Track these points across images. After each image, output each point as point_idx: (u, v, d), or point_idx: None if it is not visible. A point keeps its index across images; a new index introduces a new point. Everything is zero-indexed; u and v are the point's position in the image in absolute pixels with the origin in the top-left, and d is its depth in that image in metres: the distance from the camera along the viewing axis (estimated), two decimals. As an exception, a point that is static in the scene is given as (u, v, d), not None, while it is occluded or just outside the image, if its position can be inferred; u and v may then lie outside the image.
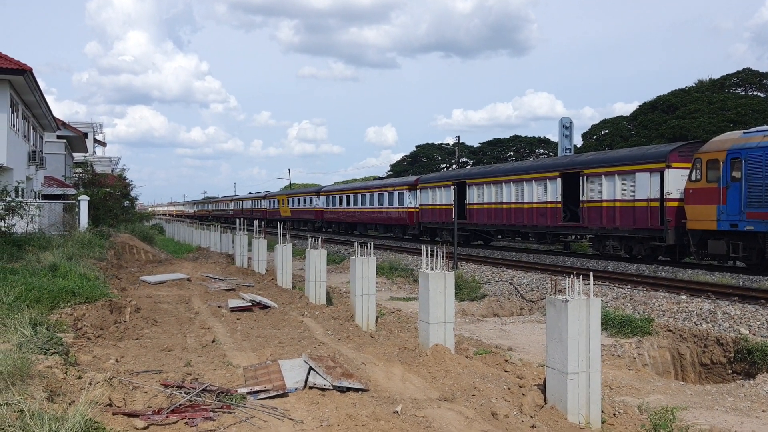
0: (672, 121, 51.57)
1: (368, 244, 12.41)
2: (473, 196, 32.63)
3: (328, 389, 6.79)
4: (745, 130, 20.21)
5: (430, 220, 36.88)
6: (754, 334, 11.38)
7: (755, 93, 54.78)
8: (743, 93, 54.69)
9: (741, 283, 16.49)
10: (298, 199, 60.38)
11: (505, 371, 8.31)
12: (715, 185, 19.26)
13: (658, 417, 6.45)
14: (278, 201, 66.88)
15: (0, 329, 7.66)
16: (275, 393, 6.61)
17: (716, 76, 56.82)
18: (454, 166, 76.85)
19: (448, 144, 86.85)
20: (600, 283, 16.76)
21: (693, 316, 12.73)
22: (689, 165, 20.61)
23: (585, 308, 6.35)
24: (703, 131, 44.94)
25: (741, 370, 10.86)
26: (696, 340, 11.74)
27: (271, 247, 21.99)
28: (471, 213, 32.73)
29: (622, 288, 16.17)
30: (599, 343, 6.47)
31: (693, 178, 20.17)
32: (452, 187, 34.27)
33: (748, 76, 55.18)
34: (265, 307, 13.04)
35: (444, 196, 35.32)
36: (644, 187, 22.14)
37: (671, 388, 9.49)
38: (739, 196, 18.57)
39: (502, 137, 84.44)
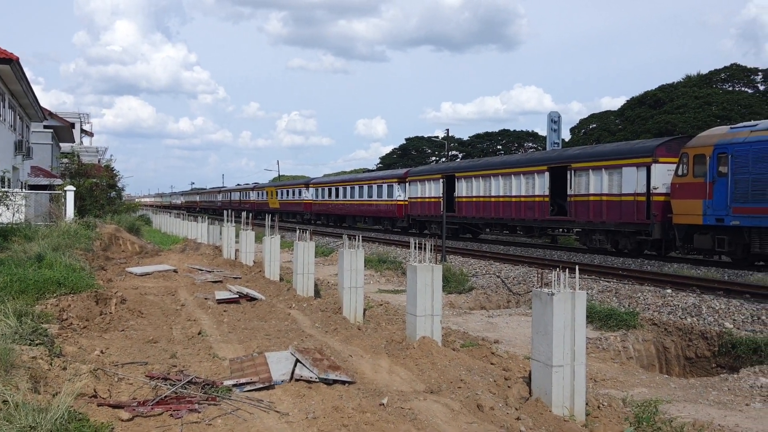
0: (659, 116, 51.85)
1: (357, 237, 12.40)
2: (462, 189, 32.68)
3: (314, 382, 6.79)
4: (732, 126, 20.34)
5: (419, 213, 36.91)
6: (738, 329, 11.49)
7: (742, 88, 55.13)
8: (730, 88, 55.01)
9: (726, 278, 16.63)
10: (287, 191, 60.24)
11: (492, 364, 8.34)
12: (702, 180, 19.39)
13: (642, 410, 6.50)
14: (267, 193, 66.70)
15: (-16, 320, 7.60)
16: (261, 385, 6.61)
17: (704, 71, 57.16)
18: (443, 159, 76.88)
19: (437, 137, 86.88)
20: (586, 276, 16.84)
21: (678, 310, 12.83)
22: (676, 160, 20.73)
23: (570, 301, 6.38)
24: (689, 126, 45.23)
25: (725, 363, 10.96)
26: (681, 334, 11.84)
27: (259, 239, 21.91)
28: (460, 206, 32.78)
29: (608, 281, 16.27)
30: (584, 336, 6.50)
31: (680, 172, 20.29)
32: (441, 180, 34.31)
33: (735, 72, 55.51)
34: (253, 299, 13.01)
35: (433, 189, 35.36)
36: (631, 181, 22.27)
37: (655, 381, 9.56)
38: (726, 191, 18.71)
39: (491, 131, 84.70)
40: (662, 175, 21.38)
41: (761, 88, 54.90)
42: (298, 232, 15.04)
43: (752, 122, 20.07)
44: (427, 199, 35.96)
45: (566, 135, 63.43)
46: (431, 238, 11.14)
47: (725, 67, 56.10)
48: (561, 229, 28.98)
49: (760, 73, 54.88)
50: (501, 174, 29.68)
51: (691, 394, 8.70)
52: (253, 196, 71.10)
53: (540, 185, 27.10)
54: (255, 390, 6.52)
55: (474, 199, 31.64)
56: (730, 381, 9.29)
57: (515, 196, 28.51)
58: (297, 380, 6.84)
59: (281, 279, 16.53)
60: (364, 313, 12.04)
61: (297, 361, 7.20)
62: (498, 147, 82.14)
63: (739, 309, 12.46)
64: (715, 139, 19.54)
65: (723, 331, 11.35)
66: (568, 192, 25.22)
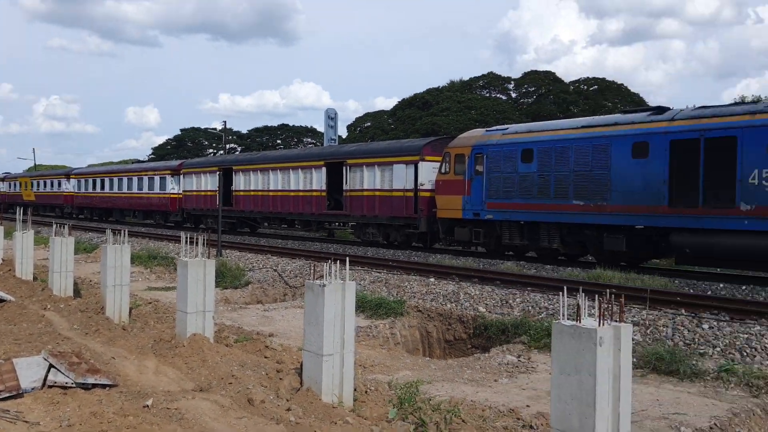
0: (426, 118, 55.45)
1: (122, 231, 11.67)
2: (240, 182, 32.25)
3: (70, 387, 6.28)
4: (487, 129, 22.43)
5: (194, 207, 35.73)
6: (490, 312, 12.69)
7: (497, 95, 60.94)
8: (488, 95, 60.54)
9: (481, 267, 18.26)
10: (45, 182, 54.94)
11: (265, 357, 8.34)
12: (462, 178, 21.13)
13: (404, 391, 6.92)
14: (20, 183, 60.39)
15: None
16: (8, 394, 5.97)
17: (465, 78, 62.25)
18: (221, 151, 75.12)
19: (215, 129, 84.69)
20: (359, 268, 17.52)
21: (440, 297, 13.85)
22: (440, 158, 22.35)
23: (341, 292, 6.59)
24: (452, 128, 48.91)
25: (479, 344, 12.04)
26: (442, 319, 12.79)
27: (9, 235, 19.72)
28: (238, 200, 32.32)
29: (379, 272, 17.07)
30: (353, 324, 6.76)
31: (443, 170, 21.91)
32: (218, 173, 33.46)
33: (491, 80, 61.19)
34: (0, 300, 11.68)
35: (209, 182, 34.44)
36: (401, 178, 23.59)
37: (418, 364, 10.23)
38: (481, 188, 20.58)
39: (270, 125, 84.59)
40: (428, 172, 22.93)
41: (513, 95, 61.16)
42: (55, 226, 13.81)
43: (504, 126, 22.30)
44: (203, 193, 34.93)
45: (343, 132, 65.45)
46: (206, 233, 10.85)
47: (483, 75, 61.63)
48: (337, 223, 29.83)
49: (512, 82, 61.11)
50: (279, 168, 29.78)
51: (449, 373, 9.44)
52: (3, 187, 63.93)
53: (317, 180, 27.65)
54: (0, 400, 5.86)
55: (252, 193, 31.38)
56: (482, 360, 10.23)
57: (293, 191, 28.78)
58: (50, 386, 6.27)
59: (35, 278, 15.06)
60: (130, 312, 11.40)
61: (51, 366, 6.60)
62: (278, 141, 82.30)
63: (490, 294, 13.78)
64: (473, 140, 21.38)
65: (477, 314, 12.47)
66: (344, 187, 26.04)
